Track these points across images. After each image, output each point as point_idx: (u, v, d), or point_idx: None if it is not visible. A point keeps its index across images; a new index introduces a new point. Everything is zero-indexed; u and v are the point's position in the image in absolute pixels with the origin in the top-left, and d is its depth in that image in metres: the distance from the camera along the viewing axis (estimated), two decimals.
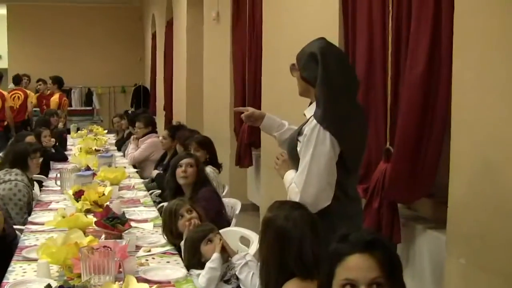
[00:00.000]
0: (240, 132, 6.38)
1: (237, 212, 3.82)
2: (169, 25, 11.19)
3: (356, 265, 1.54)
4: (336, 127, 2.45)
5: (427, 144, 3.14)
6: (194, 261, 2.73)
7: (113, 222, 2.96)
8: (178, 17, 10.05)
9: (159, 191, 4.93)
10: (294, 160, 2.59)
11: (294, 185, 2.51)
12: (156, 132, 6.46)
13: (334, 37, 4.11)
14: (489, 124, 2.64)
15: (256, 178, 6.43)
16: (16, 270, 2.60)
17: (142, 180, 5.05)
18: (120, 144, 7.41)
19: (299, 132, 2.56)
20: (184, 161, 3.82)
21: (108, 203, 3.66)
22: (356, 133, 2.58)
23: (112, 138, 8.42)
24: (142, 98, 15.09)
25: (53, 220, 3.12)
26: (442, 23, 2.98)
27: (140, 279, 2.40)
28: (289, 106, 4.96)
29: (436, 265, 3.14)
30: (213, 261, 2.64)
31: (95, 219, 3.09)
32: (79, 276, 2.37)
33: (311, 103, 2.66)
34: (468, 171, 2.77)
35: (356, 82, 2.66)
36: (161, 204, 4.36)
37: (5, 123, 8.36)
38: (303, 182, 2.45)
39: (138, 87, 15.45)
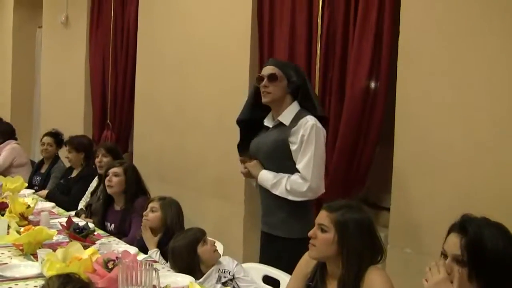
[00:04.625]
0: (101, 141, 6.16)
1: None
2: None
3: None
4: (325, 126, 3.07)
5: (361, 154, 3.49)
6: (193, 265, 2.74)
7: (84, 233, 2.82)
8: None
9: None
10: (279, 160, 3.01)
11: (297, 177, 2.93)
12: (16, 139, 6.04)
13: (245, 41, 4.25)
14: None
15: None
16: None
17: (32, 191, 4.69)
18: None
19: (288, 135, 2.98)
20: (111, 170, 3.73)
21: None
22: None
23: None
24: None
25: (10, 236, 2.84)
26: (383, 39, 3.35)
27: None
28: (171, 113, 5.05)
29: None
30: None
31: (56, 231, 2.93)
32: None
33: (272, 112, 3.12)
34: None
35: None
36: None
37: None
38: (310, 173, 2.91)
39: None
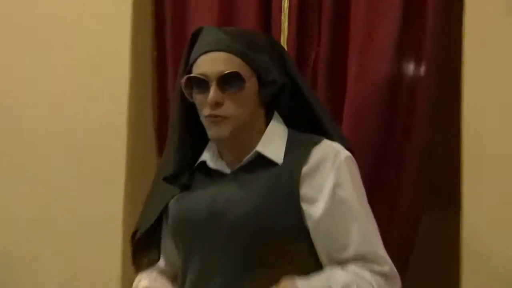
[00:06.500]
0: None
1: None
2: None
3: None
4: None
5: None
6: None
7: None
8: None
9: None
10: (270, 239, 1.44)
11: (367, 273, 1.40)
12: None
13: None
14: None
15: None
16: None
17: None
18: None
19: (297, 183, 1.44)
20: None
21: None
22: None
23: None
24: None
25: None
26: None
27: None
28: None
29: None
30: None
31: None
32: None
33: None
34: None
35: None
36: None
37: None
38: (384, 253, 1.45)
39: None
